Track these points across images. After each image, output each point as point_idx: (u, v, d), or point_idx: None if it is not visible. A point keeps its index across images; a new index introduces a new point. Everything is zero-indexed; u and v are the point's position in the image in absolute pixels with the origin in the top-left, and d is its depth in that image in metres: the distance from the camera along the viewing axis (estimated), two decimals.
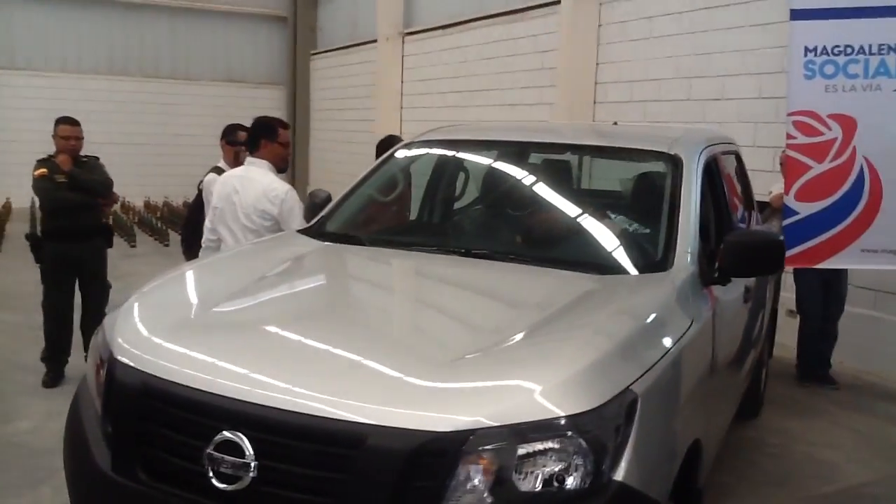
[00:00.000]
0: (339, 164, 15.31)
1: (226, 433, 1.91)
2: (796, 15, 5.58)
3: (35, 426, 4.61)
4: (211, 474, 1.93)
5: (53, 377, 5.31)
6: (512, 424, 1.82)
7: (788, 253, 5.24)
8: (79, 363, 5.51)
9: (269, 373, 2.04)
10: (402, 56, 13.55)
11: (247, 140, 4.46)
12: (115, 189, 5.50)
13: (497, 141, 3.80)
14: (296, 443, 1.88)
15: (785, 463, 4.52)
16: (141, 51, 16.66)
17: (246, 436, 1.90)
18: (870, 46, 5.23)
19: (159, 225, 12.93)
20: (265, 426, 1.91)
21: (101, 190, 5.32)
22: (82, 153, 5.35)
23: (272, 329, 2.39)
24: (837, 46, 5.32)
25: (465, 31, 11.89)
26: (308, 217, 3.65)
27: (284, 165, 4.32)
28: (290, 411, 1.89)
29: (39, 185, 5.14)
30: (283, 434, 1.89)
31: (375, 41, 14.05)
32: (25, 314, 7.07)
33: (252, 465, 1.89)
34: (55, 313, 5.31)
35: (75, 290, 5.44)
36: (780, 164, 6.02)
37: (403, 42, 13.55)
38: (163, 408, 2.06)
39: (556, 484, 1.84)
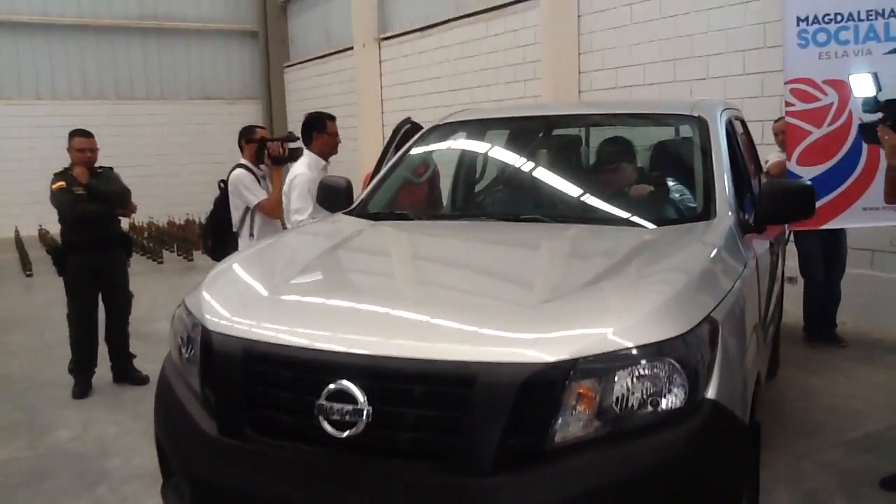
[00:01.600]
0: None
1: (340, 382, 2.00)
2: None
3: (75, 434, 4.65)
4: (325, 423, 2.02)
5: (82, 388, 5.34)
6: (609, 352, 1.95)
7: None
8: (106, 374, 5.56)
9: (371, 326, 2.15)
10: (380, 61, 13.67)
11: (302, 136, 5.03)
12: None
13: (525, 117, 3.94)
14: (408, 386, 1.98)
15: (809, 415, 4.69)
16: (115, 73, 16.61)
17: (357, 384, 2.00)
18: (858, 13, 5.46)
19: (149, 245, 12.91)
20: (377, 374, 2.01)
21: (119, 200, 5.37)
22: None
23: (358, 290, 2.50)
24: (828, 15, 5.54)
25: (444, 31, 12.03)
26: (325, 202, 3.73)
27: (332, 153, 5.03)
28: (401, 358, 2.00)
29: (59, 197, 5.18)
30: (395, 380, 2.00)
31: (350, 49, 14.15)
32: (36, 335, 7.12)
33: (365, 411, 1.99)
34: (80, 324, 5.35)
35: (99, 301, 5.48)
36: (775, 133, 6.22)
37: (380, 47, 13.67)
38: (267, 369, 2.15)
39: (651, 407, 1.96)
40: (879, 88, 3.90)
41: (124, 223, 5.71)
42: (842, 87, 5.23)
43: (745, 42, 7.49)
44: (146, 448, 2.91)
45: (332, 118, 5.12)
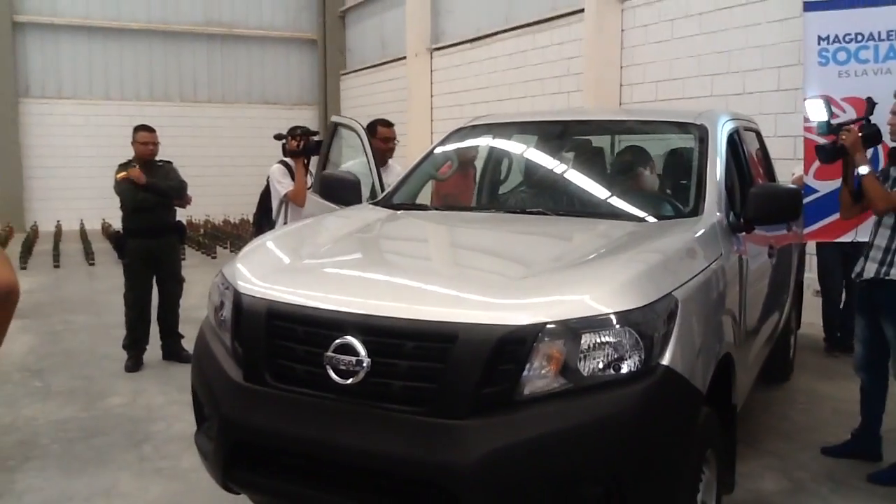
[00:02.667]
0: None
1: (345, 337, 2.36)
2: (809, 7, 6.01)
3: (127, 401, 5.11)
4: (331, 372, 2.38)
5: (134, 363, 5.82)
6: (576, 319, 2.26)
7: (810, 228, 5.64)
8: (156, 351, 6.04)
9: (373, 291, 2.52)
10: (431, 70, 14.11)
11: None
12: None
13: (541, 122, 4.28)
14: (401, 342, 2.33)
15: (813, 416, 4.88)
16: (180, 77, 17.42)
17: (359, 340, 2.35)
18: (879, 33, 5.64)
19: (204, 241, 13.55)
20: (376, 331, 2.36)
21: (174, 194, 5.86)
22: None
23: (367, 262, 2.89)
24: (848, 34, 5.73)
25: (493, 42, 12.40)
26: (326, 194, 4.15)
27: (384, 156, 5.27)
28: (396, 318, 2.35)
29: (122, 187, 5.67)
30: (390, 336, 2.34)
31: (404, 58, 14.62)
32: (96, 315, 7.68)
33: (365, 362, 2.34)
34: (136, 303, 5.83)
35: (153, 284, 5.96)
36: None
37: (432, 57, 14.10)
38: (286, 325, 2.52)
39: (610, 368, 2.26)
40: (831, 113, 4.14)
41: (183, 214, 6.18)
42: (860, 105, 5.41)
43: (780, 59, 7.67)
44: (188, 416, 3.29)
45: (387, 124, 5.47)
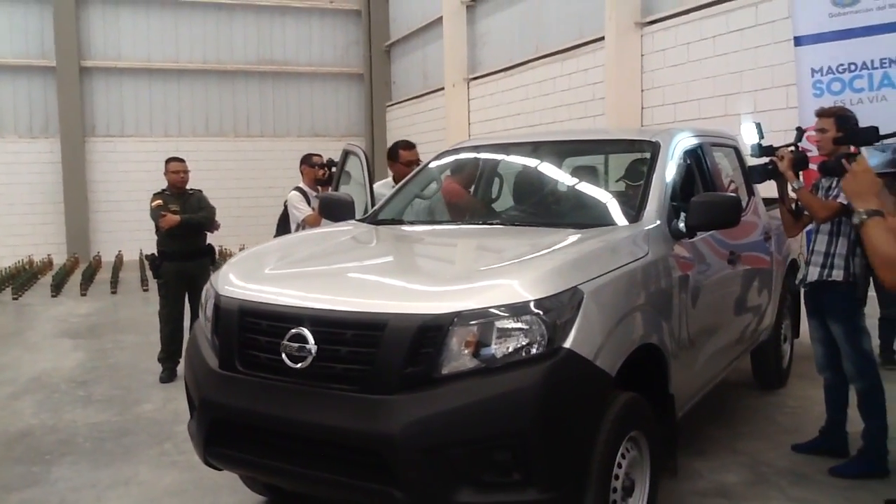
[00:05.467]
0: None
1: (298, 328, 2.77)
2: (800, 41, 6.26)
3: (157, 408, 5.62)
4: (285, 358, 2.79)
5: (168, 374, 6.34)
6: (488, 307, 2.63)
7: None
8: None
9: (322, 289, 2.94)
10: (468, 99, 14.61)
11: None
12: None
13: (515, 143, 4.68)
14: (342, 331, 2.73)
15: (800, 419, 5.05)
16: (234, 113, 18.31)
17: (309, 330, 2.76)
18: (872, 62, 5.84)
19: None
20: (321, 322, 2.77)
21: (206, 224, 6.43)
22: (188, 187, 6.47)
23: (326, 267, 3.33)
24: (842, 65, 5.95)
25: (525, 71, 12.83)
26: (325, 213, 4.53)
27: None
28: (337, 310, 2.76)
29: (157, 213, 6.25)
30: (333, 326, 2.75)
31: (443, 89, 15.16)
32: (144, 335, 8.27)
33: (313, 349, 2.74)
34: (170, 320, 6.38)
35: (186, 302, 6.49)
36: None
37: (469, 87, 14.61)
38: (253, 320, 2.95)
39: (519, 349, 2.61)
40: (762, 136, 4.39)
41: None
42: None
43: (789, 78, 7.84)
44: None
45: (408, 146, 5.64)
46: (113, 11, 17.26)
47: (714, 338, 4.04)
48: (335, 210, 4.46)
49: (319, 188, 6.02)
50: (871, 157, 2.50)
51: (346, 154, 5.78)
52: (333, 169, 6.02)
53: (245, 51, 18.33)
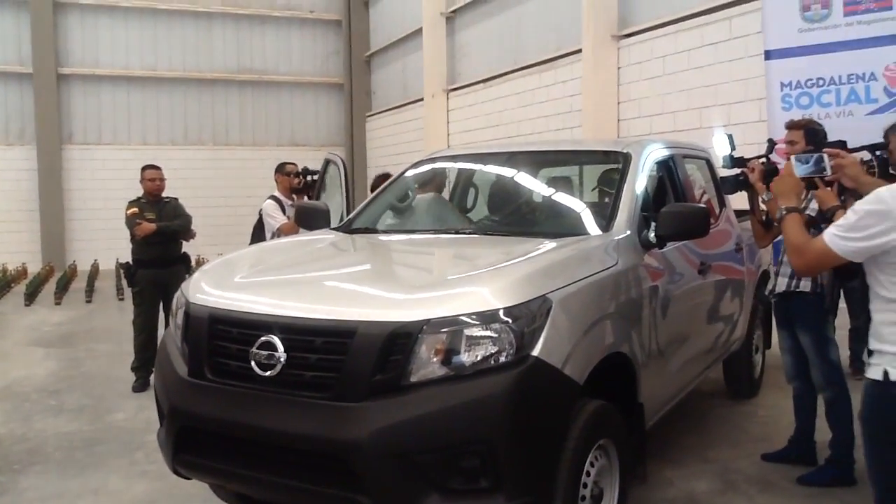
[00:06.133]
0: None
1: (267, 336, 2.77)
2: (770, 55, 6.36)
3: (129, 417, 5.58)
4: (254, 366, 2.78)
5: (141, 384, 6.28)
6: (457, 315, 2.64)
7: None
8: None
9: (292, 297, 2.93)
10: (448, 110, 14.67)
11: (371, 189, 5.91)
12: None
13: (488, 153, 4.71)
14: (311, 338, 2.73)
15: (770, 429, 5.09)
16: (213, 121, 18.26)
17: (278, 337, 2.76)
18: (840, 77, 5.95)
19: None
20: (290, 330, 2.77)
21: (182, 232, 6.40)
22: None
23: (296, 275, 3.33)
24: (810, 79, 6.06)
25: (504, 82, 12.92)
26: (301, 221, 4.58)
27: None
28: (306, 318, 2.76)
29: (132, 221, 6.22)
30: (302, 333, 2.75)
31: (423, 99, 15.21)
32: (118, 344, 8.20)
33: (282, 356, 2.74)
34: (143, 329, 6.33)
35: (161, 311, 6.45)
36: None
37: (448, 97, 14.67)
38: (223, 328, 2.95)
39: (487, 357, 2.63)
40: (733, 147, 4.44)
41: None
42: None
43: (761, 91, 7.96)
44: None
45: (388, 177, 5.77)
46: (91, 18, 17.19)
47: (684, 347, 4.08)
48: (310, 218, 4.46)
49: (294, 196, 6.03)
50: (797, 166, 2.89)
51: (328, 163, 5.81)
52: (308, 177, 6.04)
53: (224, 59, 18.30)
